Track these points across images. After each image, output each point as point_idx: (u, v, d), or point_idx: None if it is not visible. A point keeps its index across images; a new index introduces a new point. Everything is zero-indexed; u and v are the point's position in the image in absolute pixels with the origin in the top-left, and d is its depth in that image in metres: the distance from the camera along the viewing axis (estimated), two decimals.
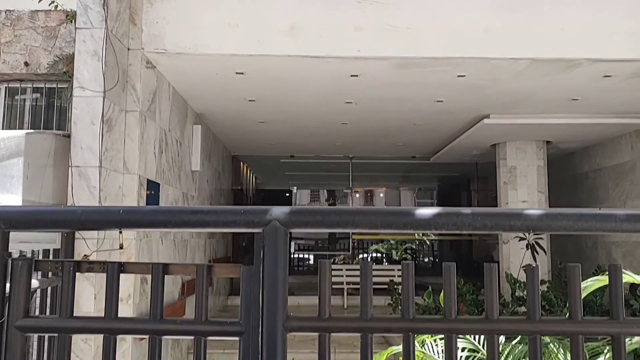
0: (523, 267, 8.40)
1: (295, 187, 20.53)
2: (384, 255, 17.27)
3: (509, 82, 6.34)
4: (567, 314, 1.39)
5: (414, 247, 18.81)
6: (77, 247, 4.21)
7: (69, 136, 4.59)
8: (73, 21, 4.91)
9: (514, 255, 9.25)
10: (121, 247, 4.27)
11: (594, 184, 10.23)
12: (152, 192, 5.64)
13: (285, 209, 1.45)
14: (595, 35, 5.45)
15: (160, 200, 5.95)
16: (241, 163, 13.58)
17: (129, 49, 5.16)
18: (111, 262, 1.49)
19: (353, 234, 14.45)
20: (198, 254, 8.08)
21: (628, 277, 3.64)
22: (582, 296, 1.46)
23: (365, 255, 17.65)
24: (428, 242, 19.06)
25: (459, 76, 6.12)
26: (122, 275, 1.42)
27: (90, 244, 4.25)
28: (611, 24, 5.43)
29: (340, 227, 1.51)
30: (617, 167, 9.33)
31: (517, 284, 7.33)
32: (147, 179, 5.45)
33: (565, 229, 1.45)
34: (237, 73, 6.04)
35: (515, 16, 5.42)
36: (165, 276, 1.42)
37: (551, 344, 3.06)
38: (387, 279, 9.85)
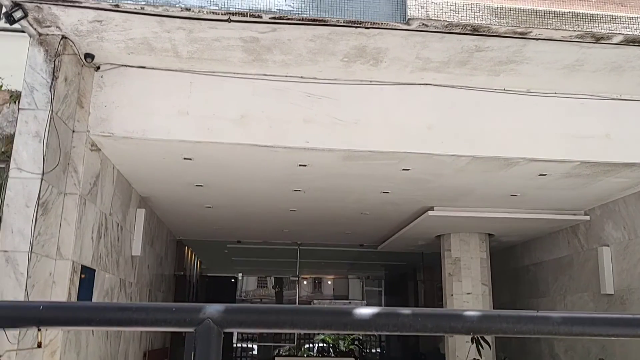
0: None
1: (240, 274, 20.05)
2: (330, 345, 16.77)
3: (451, 176, 6.57)
4: None
5: (361, 337, 18.41)
6: None
7: (0, 218, 4.35)
8: (17, 102, 4.82)
9: (460, 349, 9.16)
10: (39, 346, 3.93)
11: (535, 277, 10.47)
12: (87, 278, 5.35)
13: (219, 307, 1.37)
14: (530, 136, 5.79)
15: (95, 287, 5.63)
16: (186, 248, 13.21)
17: (73, 131, 5.08)
18: None
19: None
20: (133, 345, 7.60)
21: None
22: None
23: (311, 345, 17.09)
24: (375, 334, 18.71)
25: (403, 169, 6.30)
26: None
27: (11, 337, 3.91)
28: (545, 127, 5.80)
29: (278, 328, 1.45)
30: (556, 261, 9.62)
31: None
32: (82, 265, 5.18)
33: (504, 331, 1.43)
34: (185, 158, 6.01)
35: (457, 116, 5.72)
36: None
37: None
38: None
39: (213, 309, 1.35)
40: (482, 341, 8.46)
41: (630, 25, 4.74)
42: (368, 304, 20.49)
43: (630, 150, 5.87)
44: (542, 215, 8.47)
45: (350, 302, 22.17)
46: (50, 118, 4.55)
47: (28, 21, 4.54)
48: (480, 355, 8.36)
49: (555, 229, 9.40)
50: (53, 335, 4.64)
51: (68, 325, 1.44)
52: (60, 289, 4.69)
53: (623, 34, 4.73)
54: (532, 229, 9.52)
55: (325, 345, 16.82)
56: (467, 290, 9.64)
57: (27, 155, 4.44)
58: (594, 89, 5.78)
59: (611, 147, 5.86)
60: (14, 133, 4.55)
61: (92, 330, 5.53)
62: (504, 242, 10.82)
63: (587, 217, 8.40)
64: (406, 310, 1.41)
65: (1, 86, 5.03)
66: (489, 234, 10.03)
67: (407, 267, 17.38)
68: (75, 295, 4.95)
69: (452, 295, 9.70)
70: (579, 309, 8.63)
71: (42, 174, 4.42)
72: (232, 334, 16.53)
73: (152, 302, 8.81)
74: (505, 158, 5.86)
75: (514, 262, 11.41)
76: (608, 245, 7.90)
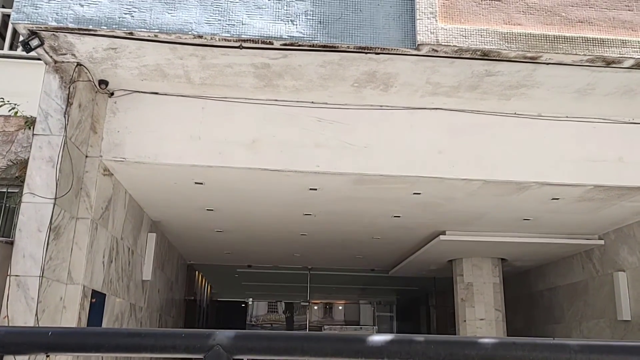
0: None
1: (251, 299, 19.93)
2: None
3: (463, 200, 6.53)
4: None
5: None
6: None
7: (12, 243, 4.38)
8: (32, 127, 4.89)
9: None
10: None
11: (550, 302, 10.30)
12: (97, 302, 5.34)
13: (229, 334, 1.36)
14: (542, 160, 5.76)
15: (105, 312, 5.62)
16: (196, 272, 13.19)
17: (86, 156, 5.13)
18: None
19: None
20: None
21: None
22: None
23: None
24: None
25: (414, 194, 6.28)
26: None
27: None
28: (557, 151, 5.77)
29: (288, 355, 1.43)
30: (571, 286, 9.46)
31: None
32: (93, 290, 5.17)
33: (520, 359, 1.40)
34: (196, 183, 6.04)
35: (469, 140, 5.71)
36: None
37: None
38: None
39: (223, 335, 1.34)
40: None
41: None
42: (379, 330, 20.23)
43: None
44: (556, 239, 8.36)
45: (361, 328, 21.90)
46: (64, 144, 4.61)
47: (44, 49, 4.63)
48: None
49: (569, 254, 9.27)
50: (63, 359, 4.62)
51: (76, 351, 1.43)
52: (70, 314, 4.69)
53: (634, 57, 4.73)
54: (546, 254, 9.40)
55: None
56: (480, 315, 9.49)
57: (40, 180, 4.49)
58: (606, 113, 5.75)
59: (624, 170, 5.80)
60: (28, 158, 4.61)
61: (102, 357, 5.50)
62: (517, 266, 10.68)
63: (602, 242, 8.28)
64: (419, 338, 1.39)
65: (17, 112, 5.12)
66: (502, 259, 9.91)
67: (419, 292, 17.19)
68: (85, 320, 4.95)
69: (464, 321, 9.56)
70: (595, 335, 8.45)
71: (55, 199, 4.45)
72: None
73: (162, 327, 8.77)
74: (517, 182, 5.82)
75: (528, 287, 11.24)
76: (624, 271, 7.76)
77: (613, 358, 1.42)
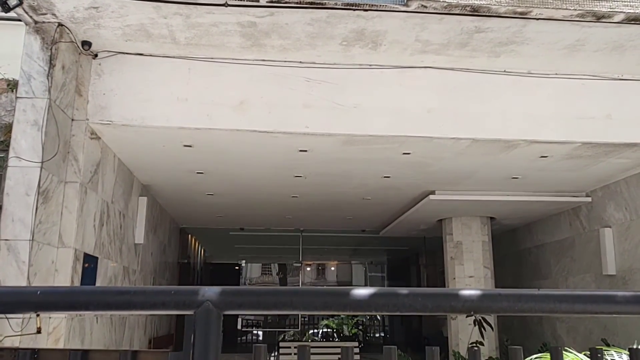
0: (470, 345, 8.35)
1: (244, 261, 20.12)
2: (334, 330, 16.88)
3: (452, 160, 6.55)
4: None
5: (365, 322, 18.52)
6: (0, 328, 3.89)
7: (0, 207, 4.36)
8: (15, 90, 4.80)
9: (462, 332, 9.21)
10: (39, 332, 3.93)
11: (537, 259, 10.49)
12: (90, 265, 5.37)
13: (218, 290, 1.37)
14: (531, 118, 5.76)
15: (98, 275, 5.66)
16: (189, 236, 13.25)
17: (72, 120, 5.06)
18: (23, 349, 1.35)
19: None
20: (137, 332, 7.65)
21: (572, 356, 3.65)
22: None
23: (315, 330, 17.18)
24: (379, 317, 18.83)
25: (404, 154, 6.28)
26: None
27: (14, 325, 3.94)
28: (546, 108, 5.76)
29: (278, 309, 1.45)
30: (558, 243, 9.62)
31: None
32: (85, 253, 5.19)
33: (505, 310, 1.43)
34: (185, 146, 6.00)
35: (457, 99, 5.68)
36: None
37: None
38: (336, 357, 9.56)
39: (212, 292, 1.35)
40: (484, 323, 8.50)
41: (631, 3, 4.68)
42: None
43: (631, 131, 5.84)
44: (544, 197, 8.45)
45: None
46: (49, 106, 4.54)
47: (23, 9, 4.51)
48: (482, 337, 8.41)
49: (556, 211, 9.39)
50: (57, 322, 4.67)
51: (66, 309, 1.44)
52: (63, 277, 4.71)
53: (624, 12, 4.68)
54: (534, 212, 9.51)
55: (329, 330, 16.93)
56: (470, 273, 9.66)
57: (25, 143, 4.43)
58: (595, 70, 5.73)
59: (612, 127, 5.83)
60: (12, 122, 4.54)
61: (96, 317, 5.57)
62: (506, 225, 10.82)
63: (589, 199, 8.38)
64: (405, 290, 1.41)
65: None
66: (491, 217, 10.03)
67: (409, 251, 17.42)
68: (78, 283, 4.98)
69: (454, 278, 9.73)
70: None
71: (42, 163, 4.41)
72: (236, 319, 16.63)
73: None
74: (506, 140, 5.84)
75: (516, 244, 11.42)
76: (610, 227, 7.89)
77: (595, 307, 1.45)
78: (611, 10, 4.66)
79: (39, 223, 4.41)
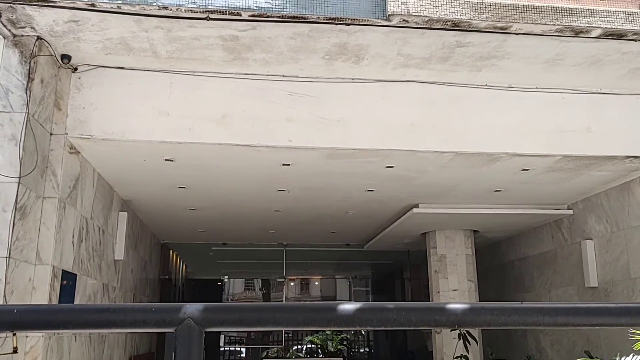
0: (454, 359, 8.32)
1: (227, 277, 19.91)
2: (319, 346, 16.74)
3: (435, 173, 6.58)
4: None
5: (349, 337, 18.39)
6: None
7: None
8: None
9: (447, 346, 9.18)
10: (15, 351, 3.82)
11: (520, 272, 10.54)
12: (68, 283, 5.25)
13: (200, 306, 1.32)
14: (513, 131, 5.81)
15: (77, 292, 5.53)
16: (170, 251, 13.08)
17: (51, 134, 4.98)
18: None
19: None
20: (117, 350, 7.49)
21: None
22: None
23: (299, 346, 17.03)
24: (364, 332, 18.73)
25: (387, 167, 6.29)
26: None
27: None
28: (527, 122, 5.82)
29: (261, 326, 1.41)
30: (541, 256, 9.69)
31: None
32: (63, 270, 5.08)
33: (489, 323, 1.40)
34: (166, 160, 5.93)
35: (439, 112, 5.72)
36: None
37: None
38: None
39: (193, 308, 1.30)
40: (469, 337, 8.49)
41: (608, 19, 4.77)
42: None
43: (611, 144, 5.92)
44: (526, 210, 8.52)
45: None
46: (27, 121, 4.46)
47: (1, 22, 4.44)
48: (467, 351, 8.39)
49: (539, 224, 9.47)
50: (34, 341, 4.54)
51: (44, 328, 1.39)
52: (40, 295, 4.60)
53: (602, 27, 4.77)
54: (517, 224, 9.58)
55: (313, 346, 16.78)
56: (454, 287, 9.66)
57: (3, 158, 4.34)
58: (575, 83, 5.82)
59: (592, 140, 5.90)
60: None
61: (75, 336, 5.43)
62: (489, 238, 10.87)
63: (570, 212, 8.47)
64: (390, 305, 1.38)
65: None
66: (474, 230, 10.07)
67: (393, 265, 17.40)
68: (56, 301, 4.86)
69: (438, 292, 9.72)
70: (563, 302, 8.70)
71: (19, 178, 4.32)
72: (218, 336, 16.40)
73: None
74: (488, 153, 5.88)
75: (499, 257, 11.47)
76: (591, 239, 7.96)
77: (578, 319, 1.43)
78: (589, 25, 4.74)
79: (16, 240, 4.30)
